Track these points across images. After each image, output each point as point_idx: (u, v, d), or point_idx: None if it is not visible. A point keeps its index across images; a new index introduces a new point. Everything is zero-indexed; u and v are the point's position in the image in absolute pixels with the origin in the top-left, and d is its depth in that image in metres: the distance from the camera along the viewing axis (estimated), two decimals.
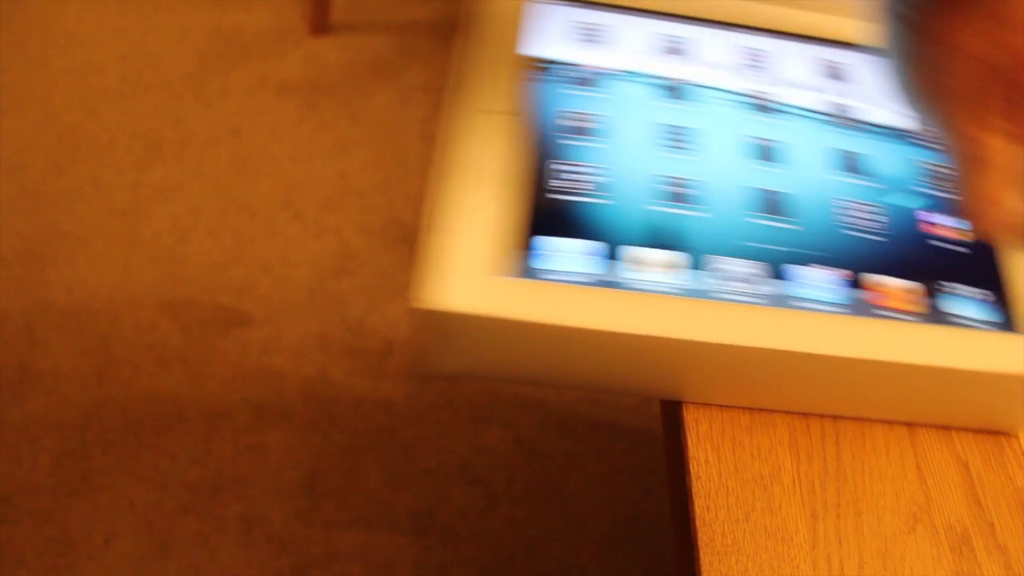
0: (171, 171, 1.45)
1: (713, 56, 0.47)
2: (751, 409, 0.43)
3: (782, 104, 0.45)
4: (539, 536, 1.12)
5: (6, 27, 1.61)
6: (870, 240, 0.41)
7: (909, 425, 0.43)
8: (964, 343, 0.39)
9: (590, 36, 0.47)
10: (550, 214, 0.39)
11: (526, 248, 0.38)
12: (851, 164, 0.44)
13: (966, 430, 0.43)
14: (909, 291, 0.40)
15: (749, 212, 0.41)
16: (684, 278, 0.38)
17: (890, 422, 0.43)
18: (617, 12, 0.48)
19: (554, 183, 0.40)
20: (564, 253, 0.38)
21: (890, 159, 0.44)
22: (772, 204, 0.41)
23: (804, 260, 0.40)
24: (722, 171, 0.42)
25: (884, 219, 0.42)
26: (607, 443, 1.19)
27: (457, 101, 0.42)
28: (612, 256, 0.38)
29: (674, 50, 0.47)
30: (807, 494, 0.40)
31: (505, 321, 0.36)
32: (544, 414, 1.21)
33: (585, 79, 0.45)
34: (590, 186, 0.40)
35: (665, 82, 0.45)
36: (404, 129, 1.53)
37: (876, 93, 0.45)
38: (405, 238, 1.38)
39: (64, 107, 1.51)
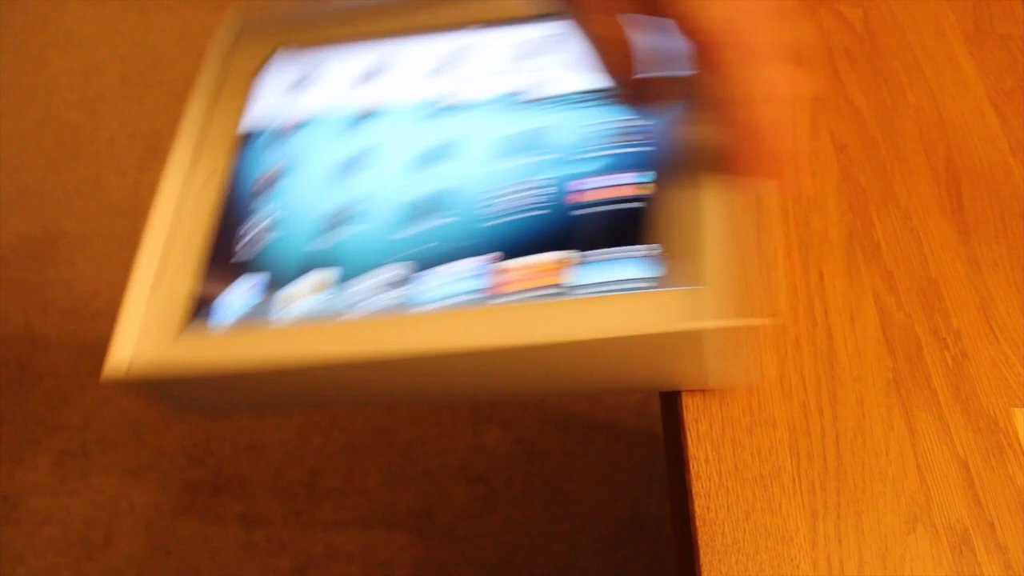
0: None
1: (409, 69, 0.46)
2: (751, 409, 0.43)
3: (465, 100, 0.44)
4: (539, 536, 1.12)
5: (6, 27, 1.61)
6: (522, 221, 0.40)
7: (909, 425, 0.43)
8: (607, 310, 0.37)
9: (304, 82, 0.47)
10: (231, 268, 0.42)
11: (208, 304, 0.41)
12: (525, 144, 0.42)
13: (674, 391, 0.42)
14: (554, 265, 0.38)
15: (407, 218, 0.41)
16: (330, 298, 0.39)
17: (601, 392, 0.43)
18: (330, 48, 0.48)
19: (240, 237, 0.43)
20: (238, 302, 0.41)
21: (570, 128, 0.42)
22: (434, 205, 0.41)
23: (454, 255, 0.39)
24: (390, 185, 0.42)
25: (543, 196, 0.40)
26: (607, 443, 1.19)
27: (170, 169, 0.45)
28: (275, 294, 0.40)
29: (374, 73, 0.46)
30: (807, 494, 0.40)
31: (189, 374, 0.40)
32: (544, 414, 1.21)
33: (284, 132, 0.46)
34: (268, 234, 0.42)
35: (355, 111, 0.45)
36: None
37: (570, 61, 0.44)
38: None
39: (64, 107, 1.51)
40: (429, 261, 0.39)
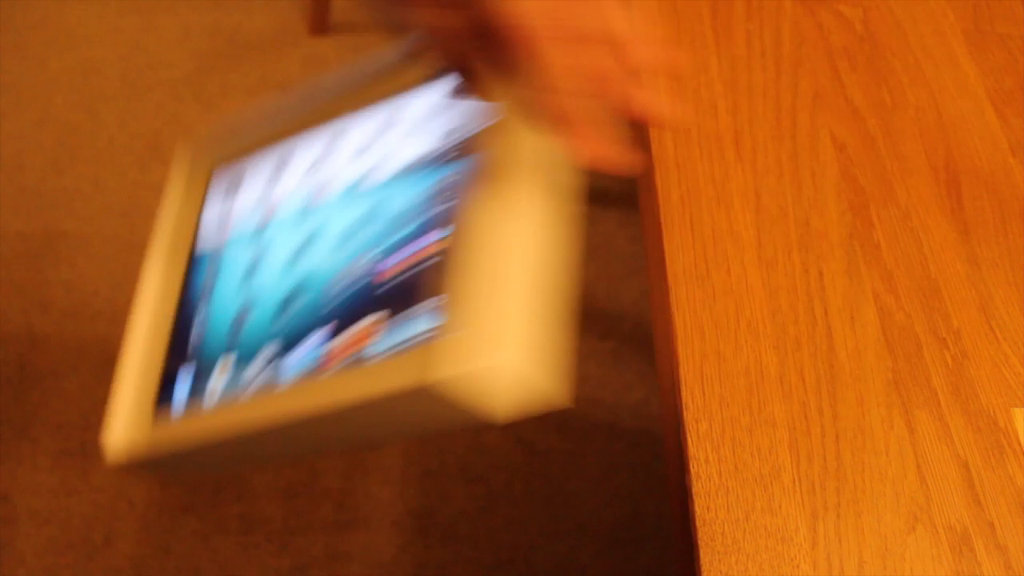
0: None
1: (294, 170, 0.53)
2: (751, 409, 0.43)
3: (322, 199, 0.50)
4: (539, 536, 1.12)
5: (6, 27, 1.62)
6: (351, 295, 0.44)
7: (909, 425, 0.43)
8: (374, 373, 0.39)
9: (229, 197, 0.55)
10: (182, 364, 0.51)
11: (168, 394, 0.50)
12: (360, 227, 0.47)
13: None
14: (368, 331, 0.41)
15: (282, 305, 0.48)
16: (231, 378, 0.47)
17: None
18: (247, 159, 0.56)
19: (191, 339, 0.51)
20: (183, 391, 0.49)
21: (397, 202, 0.46)
22: (298, 291, 0.48)
23: (307, 331, 0.45)
24: (272, 281, 0.50)
25: (367, 270, 0.45)
26: (607, 443, 1.19)
27: (144, 287, 0.54)
28: (203, 381, 0.49)
29: (273, 178, 0.53)
30: (807, 494, 0.40)
31: (158, 454, 0.49)
32: (544, 414, 1.21)
33: (216, 247, 0.54)
34: (200, 333, 0.51)
35: (256, 222, 0.53)
36: None
37: (418, 125, 0.48)
38: None
39: (64, 107, 1.51)
40: (291, 339, 0.46)
